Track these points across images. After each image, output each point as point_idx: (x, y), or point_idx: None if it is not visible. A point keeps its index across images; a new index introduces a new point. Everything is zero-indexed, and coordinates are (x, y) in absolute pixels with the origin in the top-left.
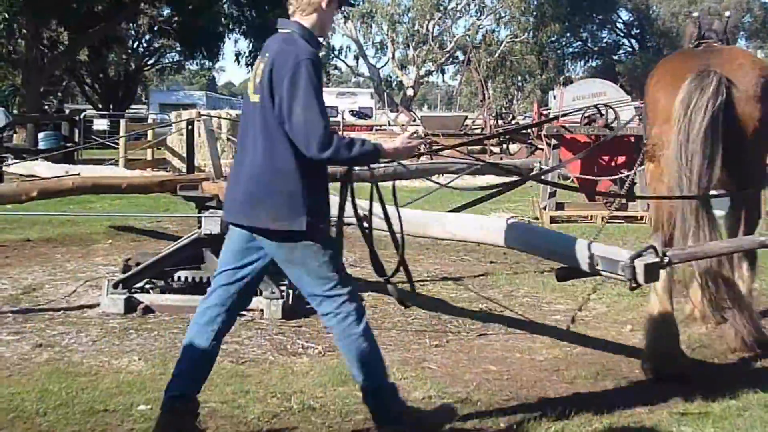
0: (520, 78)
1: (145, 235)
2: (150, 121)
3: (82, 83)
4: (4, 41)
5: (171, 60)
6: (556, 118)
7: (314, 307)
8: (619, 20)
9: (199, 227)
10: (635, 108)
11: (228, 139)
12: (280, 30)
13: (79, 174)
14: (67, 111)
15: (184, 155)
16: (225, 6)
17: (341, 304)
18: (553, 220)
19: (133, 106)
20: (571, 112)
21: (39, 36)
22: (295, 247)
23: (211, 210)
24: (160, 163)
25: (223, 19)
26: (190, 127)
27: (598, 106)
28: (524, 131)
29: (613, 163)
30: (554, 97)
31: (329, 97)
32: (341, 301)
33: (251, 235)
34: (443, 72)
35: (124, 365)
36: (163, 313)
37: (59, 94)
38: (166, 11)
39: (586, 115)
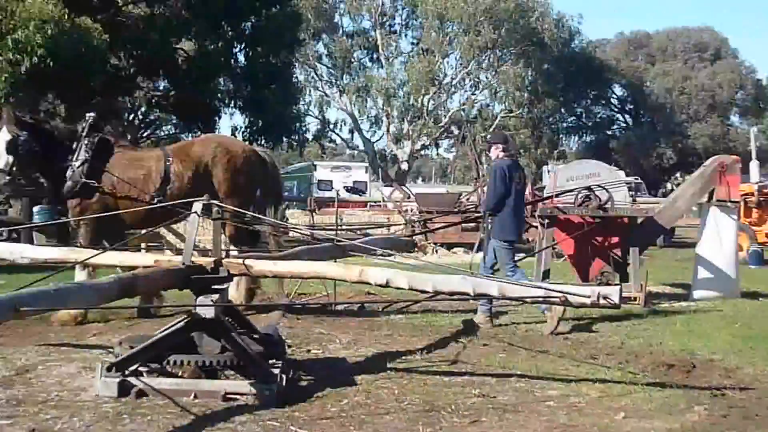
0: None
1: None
2: None
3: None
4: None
5: (167, 133)
6: (550, 197)
7: None
8: (613, 96)
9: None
10: (628, 187)
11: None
12: None
13: None
14: None
15: (181, 231)
16: (221, 80)
17: None
18: None
19: None
20: (564, 193)
21: (36, 108)
22: None
23: (205, 295)
24: (155, 239)
25: (219, 95)
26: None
27: (592, 187)
28: None
29: (606, 244)
30: (548, 172)
31: (324, 170)
32: None
33: None
34: (438, 146)
35: None
36: (156, 396)
37: None
38: (163, 85)
39: (580, 196)
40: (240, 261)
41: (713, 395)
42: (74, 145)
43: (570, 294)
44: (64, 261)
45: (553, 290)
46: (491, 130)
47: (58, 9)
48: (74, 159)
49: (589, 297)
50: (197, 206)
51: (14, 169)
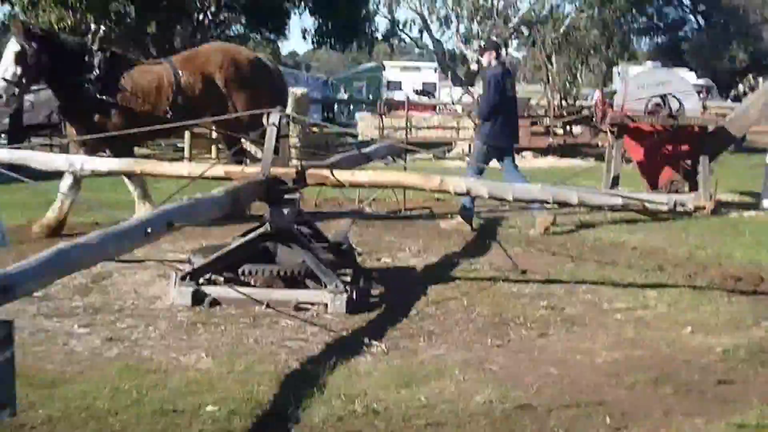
0: (584, 53)
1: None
2: None
3: (148, 55)
4: (79, 17)
5: (236, 32)
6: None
7: None
8: None
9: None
10: (698, 92)
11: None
12: None
13: None
14: None
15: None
16: None
17: None
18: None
19: None
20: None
21: (107, 10)
22: None
23: (277, 204)
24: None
25: None
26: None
27: (663, 95)
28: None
29: (676, 152)
30: (618, 73)
31: (393, 71)
32: None
33: None
34: (507, 46)
35: (192, 362)
36: (229, 305)
37: None
38: None
39: (651, 104)
40: (320, 171)
41: None
42: (86, 59)
43: (647, 201)
44: (126, 172)
45: (632, 198)
46: (561, 31)
47: None
48: (88, 75)
49: (665, 204)
50: (274, 117)
51: (23, 80)
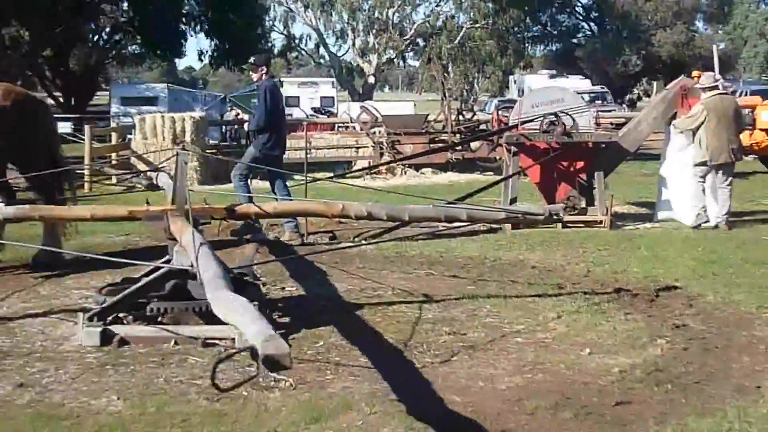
0: (480, 62)
1: (116, 255)
2: (112, 115)
3: (43, 77)
4: None
5: (132, 52)
6: (516, 126)
7: None
8: (578, 3)
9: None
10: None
11: (192, 141)
12: None
13: None
14: None
15: (150, 158)
16: (185, 5)
17: None
18: (513, 225)
19: (97, 94)
20: (530, 120)
21: (0, 35)
22: None
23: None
24: (125, 166)
25: (183, 19)
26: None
27: (557, 113)
28: (485, 129)
29: (572, 169)
30: (514, 82)
31: (291, 87)
32: None
33: None
34: (404, 59)
35: (103, 406)
36: (138, 344)
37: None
38: (125, 4)
39: (545, 122)
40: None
41: (675, 327)
42: None
43: (527, 214)
44: (25, 219)
45: (513, 211)
46: (457, 41)
47: None
48: None
49: (542, 215)
50: (183, 156)
51: None
